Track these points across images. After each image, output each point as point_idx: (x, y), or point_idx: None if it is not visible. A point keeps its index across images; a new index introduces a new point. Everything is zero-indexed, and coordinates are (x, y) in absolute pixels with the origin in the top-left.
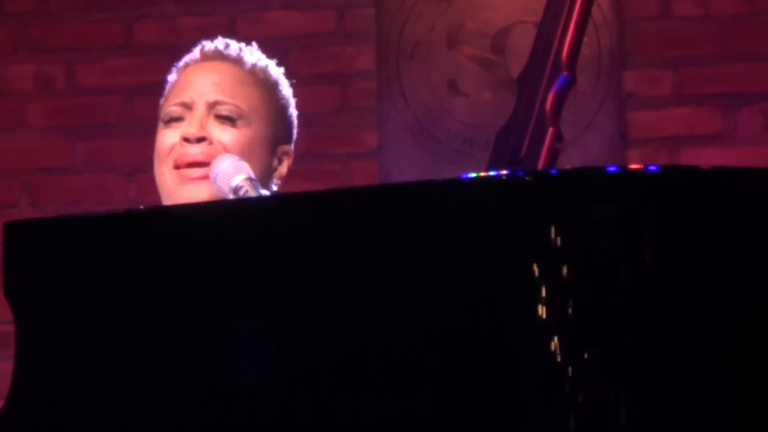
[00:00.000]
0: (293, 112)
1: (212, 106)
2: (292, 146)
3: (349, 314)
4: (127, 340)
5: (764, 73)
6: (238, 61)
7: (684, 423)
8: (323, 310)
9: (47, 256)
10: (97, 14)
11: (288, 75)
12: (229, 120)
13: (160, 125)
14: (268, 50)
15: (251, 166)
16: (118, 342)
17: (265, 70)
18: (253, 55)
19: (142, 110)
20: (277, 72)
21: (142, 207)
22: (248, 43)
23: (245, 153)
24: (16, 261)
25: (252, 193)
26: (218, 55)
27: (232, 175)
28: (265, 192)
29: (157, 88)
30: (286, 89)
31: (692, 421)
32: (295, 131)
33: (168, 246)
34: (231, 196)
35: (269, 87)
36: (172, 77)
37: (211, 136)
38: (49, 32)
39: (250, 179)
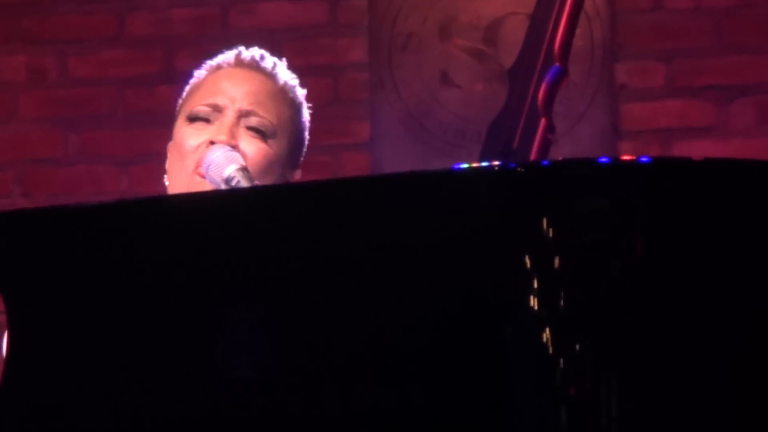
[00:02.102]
0: (307, 136)
1: (244, 115)
2: (299, 171)
3: (340, 306)
4: (118, 331)
5: (757, 65)
6: (272, 76)
7: (675, 416)
8: (315, 302)
9: (39, 247)
10: (89, 6)
11: None
12: (259, 133)
13: (183, 121)
14: (261, 42)
15: (269, 182)
16: (110, 333)
17: (293, 90)
18: (284, 72)
19: (134, 102)
20: (301, 93)
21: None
22: (240, 35)
23: (267, 170)
24: (7, 252)
25: (244, 184)
26: (254, 65)
27: (224, 166)
28: (257, 182)
29: (149, 80)
30: (306, 112)
31: (683, 414)
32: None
33: (160, 237)
34: (223, 187)
35: (295, 108)
36: (200, 73)
37: (239, 146)
38: (42, 23)
39: (242, 170)
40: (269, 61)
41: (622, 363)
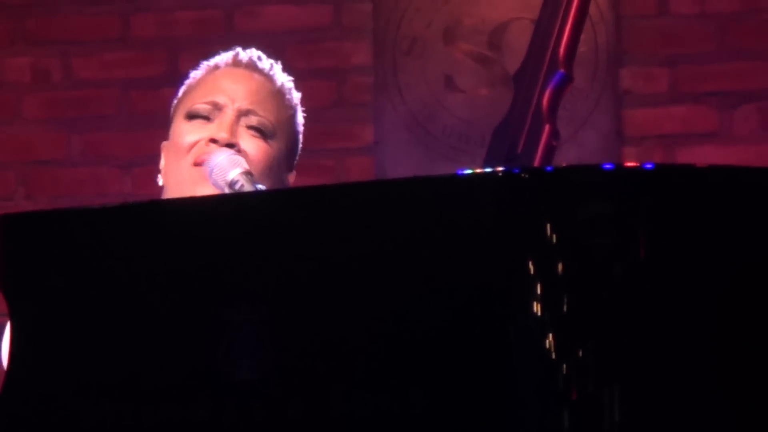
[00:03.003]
0: (301, 140)
1: (244, 113)
2: (294, 173)
3: (343, 309)
4: (121, 333)
5: (761, 71)
6: (269, 77)
7: (678, 420)
8: (318, 306)
9: (43, 249)
10: (93, 7)
11: (284, 69)
12: (260, 132)
13: (181, 119)
14: (265, 45)
15: (268, 183)
16: (112, 335)
17: (290, 93)
18: (281, 74)
19: (138, 103)
20: (297, 97)
21: (137, 200)
22: (245, 38)
23: (267, 169)
24: (11, 253)
25: (248, 187)
26: (252, 66)
27: (228, 169)
28: (260, 186)
29: (153, 82)
30: (300, 116)
31: (686, 419)
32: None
33: (163, 240)
34: (227, 190)
35: (292, 110)
36: (197, 74)
37: (239, 144)
38: (46, 25)
39: (246, 173)
40: (266, 62)
41: (625, 368)
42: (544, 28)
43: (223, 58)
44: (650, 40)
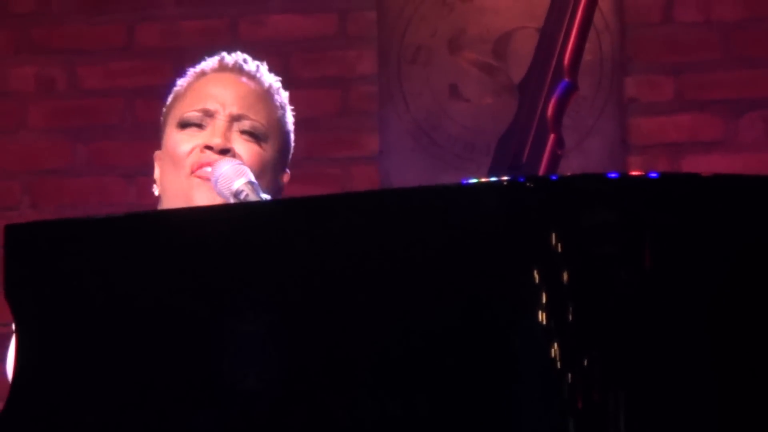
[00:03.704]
0: (293, 138)
1: (236, 118)
2: (288, 172)
3: (349, 318)
4: (126, 343)
5: (766, 79)
6: (257, 79)
7: (683, 429)
8: (324, 314)
9: (48, 259)
10: (98, 16)
11: (289, 78)
12: (253, 136)
13: (174, 129)
14: (270, 53)
15: (263, 185)
16: (117, 344)
17: (279, 92)
18: (268, 75)
19: (143, 113)
20: (285, 96)
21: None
22: (250, 47)
23: (262, 172)
24: (16, 263)
25: (253, 198)
26: (238, 69)
27: (233, 179)
28: (265, 196)
29: (158, 91)
30: (290, 115)
31: (692, 427)
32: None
33: (168, 249)
34: (232, 200)
35: (282, 110)
36: (185, 81)
37: (234, 149)
38: (51, 34)
39: (250, 183)
40: (252, 64)
41: (630, 376)
42: (548, 36)
43: (209, 63)
44: (655, 48)
